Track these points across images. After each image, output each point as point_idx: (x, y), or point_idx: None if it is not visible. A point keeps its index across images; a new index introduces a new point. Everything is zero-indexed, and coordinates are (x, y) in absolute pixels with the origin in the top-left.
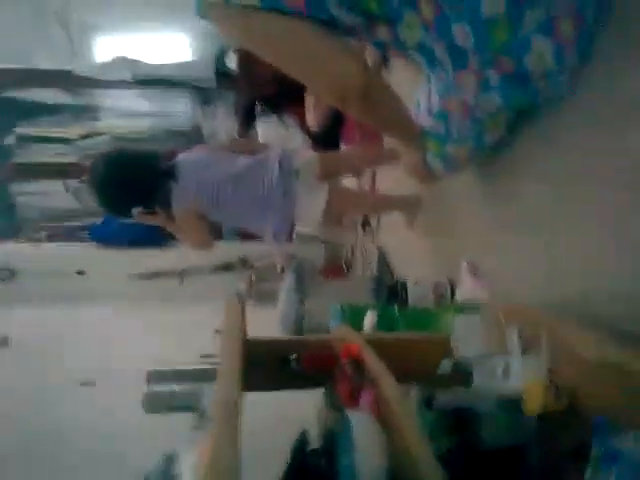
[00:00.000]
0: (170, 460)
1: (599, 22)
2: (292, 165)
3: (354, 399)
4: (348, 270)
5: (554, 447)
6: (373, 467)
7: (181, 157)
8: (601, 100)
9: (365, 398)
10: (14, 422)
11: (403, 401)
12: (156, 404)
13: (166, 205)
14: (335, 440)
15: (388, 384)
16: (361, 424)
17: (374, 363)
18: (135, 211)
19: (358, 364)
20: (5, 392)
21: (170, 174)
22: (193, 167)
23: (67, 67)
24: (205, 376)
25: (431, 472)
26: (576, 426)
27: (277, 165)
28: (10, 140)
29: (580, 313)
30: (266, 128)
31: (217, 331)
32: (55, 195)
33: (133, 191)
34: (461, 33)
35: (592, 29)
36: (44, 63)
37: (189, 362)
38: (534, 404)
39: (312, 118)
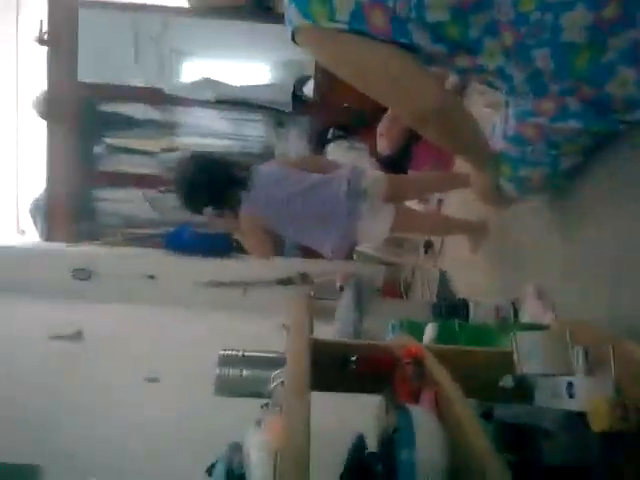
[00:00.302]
0: (236, 448)
1: None
2: (360, 184)
3: (414, 399)
4: (407, 292)
5: (621, 469)
6: (434, 462)
7: (256, 169)
8: None
9: (426, 397)
10: (82, 413)
11: (465, 401)
12: (226, 387)
13: (234, 211)
14: (394, 437)
15: (449, 384)
16: (422, 418)
17: (435, 364)
18: (206, 210)
19: (419, 365)
20: (77, 384)
21: (243, 183)
22: (265, 180)
23: (158, 85)
24: (272, 363)
25: (497, 469)
26: None
27: (346, 183)
28: (99, 149)
29: None
30: (336, 152)
31: (284, 326)
32: (134, 203)
33: (205, 191)
34: (542, 58)
35: None
36: (137, 81)
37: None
38: (599, 423)
39: (383, 143)
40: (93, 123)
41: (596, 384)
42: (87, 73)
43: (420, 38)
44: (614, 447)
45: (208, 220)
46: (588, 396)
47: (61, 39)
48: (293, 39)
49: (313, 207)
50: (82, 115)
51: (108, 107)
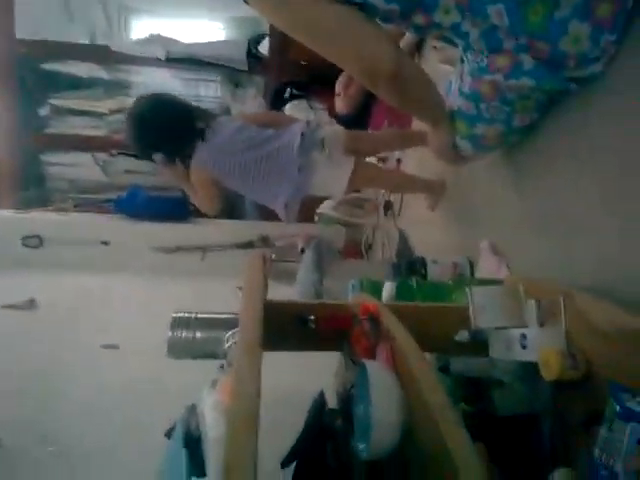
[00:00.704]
0: (193, 409)
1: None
2: (316, 137)
3: (372, 355)
4: (368, 252)
5: (568, 415)
6: (389, 416)
7: (215, 120)
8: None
9: (381, 352)
10: (36, 383)
11: (420, 355)
12: (178, 349)
13: (187, 161)
14: (351, 393)
15: (405, 339)
16: (377, 372)
17: (391, 320)
18: (157, 157)
19: (375, 321)
20: (31, 352)
21: (201, 134)
22: (222, 133)
23: (104, 43)
24: (226, 324)
25: (450, 420)
26: (591, 395)
27: (299, 136)
28: (44, 111)
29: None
30: (294, 112)
31: (239, 288)
32: (84, 167)
33: (162, 135)
34: (496, 13)
35: (630, 9)
36: (81, 38)
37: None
38: (550, 373)
39: (341, 103)
40: (36, 83)
41: (548, 335)
42: (27, 30)
43: None
44: (562, 395)
45: (158, 165)
46: (540, 347)
47: None
48: (245, 0)
49: (266, 161)
50: (23, 75)
51: (51, 66)
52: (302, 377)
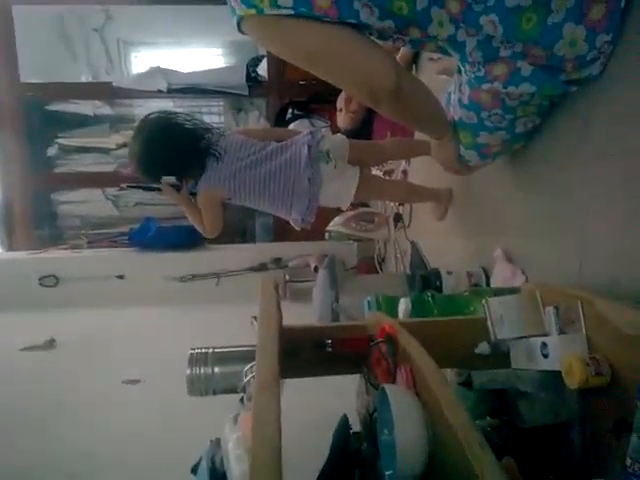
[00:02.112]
0: (218, 444)
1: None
2: (322, 148)
3: (391, 377)
4: (382, 266)
5: (597, 423)
6: (413, 440)
7: (223, 138)
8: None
9: (401, 374)
10: (60, 423)
11: (439, 374)
12: (198, 386)
13: (191, 183)
14: (374, 418)
15: (423, 359)
16: (398, 396)
17: (409, 340)
18: (164, 179)
19: (393, 342)
20: (54, 392)
21: (210, 151)
22: (229, 152)
23: (106, 79)
24: (244, 357)
25: (474, 440)
26: (619, 401)
27: (306, 150)
28: (52, 151)
29: (613, 295)
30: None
31: (254, 317)
32: (94, 203)
33: (171, 153)
34: (489, 23)
35: (623, 8)
36: (84, 76)
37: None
38: (574, 379)
39: (343, 118)
40: (43, 124)
41: (568, 342)
42: (30, 73)
43: (368, 16)
44: (589, 403)
45: (163, 188)
46: (562, 355)
47: None
48: (239, 29)
49: (275, 175)
50: (31, 117)
51: (57, 106)
52: (324, 398)
